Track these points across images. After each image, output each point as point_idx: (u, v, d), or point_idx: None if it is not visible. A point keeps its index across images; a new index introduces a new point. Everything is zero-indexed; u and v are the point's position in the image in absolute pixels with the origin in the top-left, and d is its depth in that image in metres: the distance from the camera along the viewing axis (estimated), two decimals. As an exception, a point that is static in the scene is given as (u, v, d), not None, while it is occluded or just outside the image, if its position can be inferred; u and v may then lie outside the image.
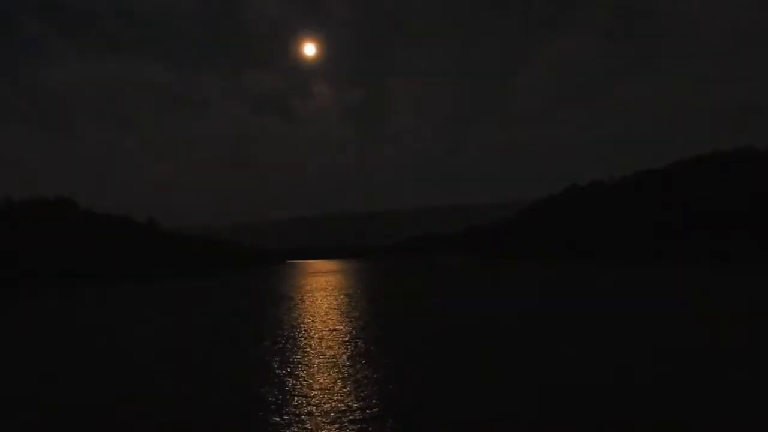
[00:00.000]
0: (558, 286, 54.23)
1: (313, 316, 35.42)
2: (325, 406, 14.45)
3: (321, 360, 20.63)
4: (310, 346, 23.98)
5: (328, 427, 12.78)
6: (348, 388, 16.11)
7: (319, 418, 13.42)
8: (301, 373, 18.49)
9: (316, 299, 49.16)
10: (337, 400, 14.97)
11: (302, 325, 31.35)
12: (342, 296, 51.38)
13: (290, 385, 16.88)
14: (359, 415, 13.52)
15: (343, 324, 30.89)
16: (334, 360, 20.50)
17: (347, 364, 19.68)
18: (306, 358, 21.05)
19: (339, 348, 23.11)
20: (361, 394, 15.40)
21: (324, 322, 32.30)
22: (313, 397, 15.38)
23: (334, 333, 27.51)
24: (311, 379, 17.42)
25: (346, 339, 25.42)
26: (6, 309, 52.37)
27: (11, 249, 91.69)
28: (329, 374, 18.11)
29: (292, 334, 27.54)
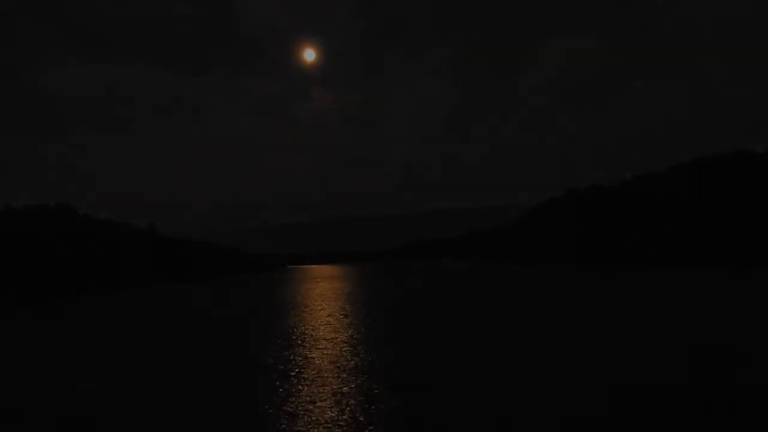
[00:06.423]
0: (559, 289, 53.98)
1: (315, 325, 35.17)
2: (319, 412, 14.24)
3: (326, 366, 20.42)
4: (314, 353, 23.75)
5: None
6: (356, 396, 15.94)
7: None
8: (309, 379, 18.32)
9: (317, 307, 48.95)
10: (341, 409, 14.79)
11: (304, 332, 31.12)
12: (343, 303, 51.23)
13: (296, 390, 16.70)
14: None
15: (348, 330, 30.67)
16: (342, 367, 20.32)
17: (360, 371, 19.52)
18: (312, 366, 20.83)
19: (350, 355, 22.92)
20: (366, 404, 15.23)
21: (325, 329, 32.07)
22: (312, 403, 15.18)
23: (336, 338, 27.30)
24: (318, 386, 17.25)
25: (356, 345, 25.23)
26: (7, 312, 52.10)
27: (11, 255, 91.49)
28: (333, 381, 17.94)
29: (294, 342, 27.33)
